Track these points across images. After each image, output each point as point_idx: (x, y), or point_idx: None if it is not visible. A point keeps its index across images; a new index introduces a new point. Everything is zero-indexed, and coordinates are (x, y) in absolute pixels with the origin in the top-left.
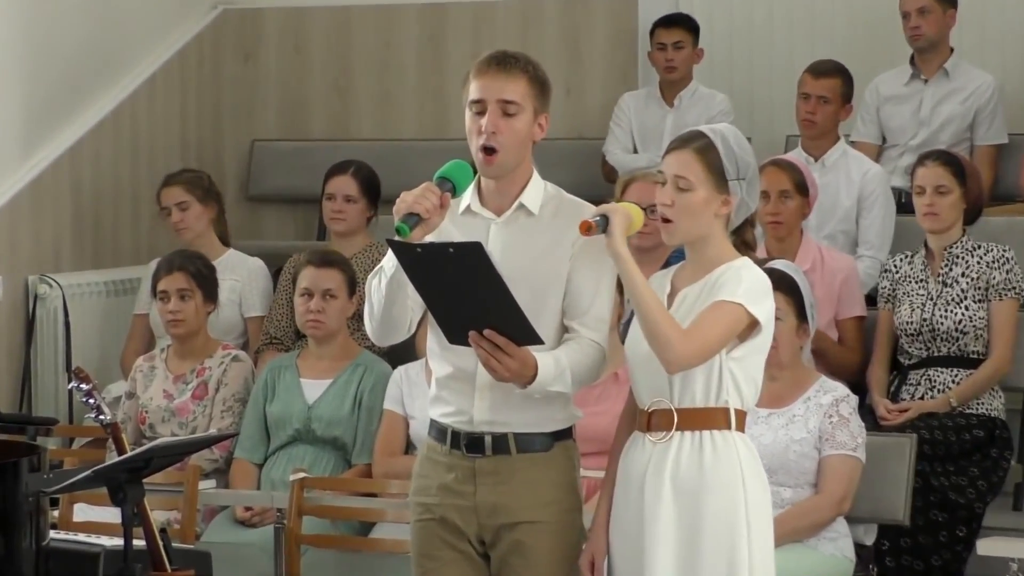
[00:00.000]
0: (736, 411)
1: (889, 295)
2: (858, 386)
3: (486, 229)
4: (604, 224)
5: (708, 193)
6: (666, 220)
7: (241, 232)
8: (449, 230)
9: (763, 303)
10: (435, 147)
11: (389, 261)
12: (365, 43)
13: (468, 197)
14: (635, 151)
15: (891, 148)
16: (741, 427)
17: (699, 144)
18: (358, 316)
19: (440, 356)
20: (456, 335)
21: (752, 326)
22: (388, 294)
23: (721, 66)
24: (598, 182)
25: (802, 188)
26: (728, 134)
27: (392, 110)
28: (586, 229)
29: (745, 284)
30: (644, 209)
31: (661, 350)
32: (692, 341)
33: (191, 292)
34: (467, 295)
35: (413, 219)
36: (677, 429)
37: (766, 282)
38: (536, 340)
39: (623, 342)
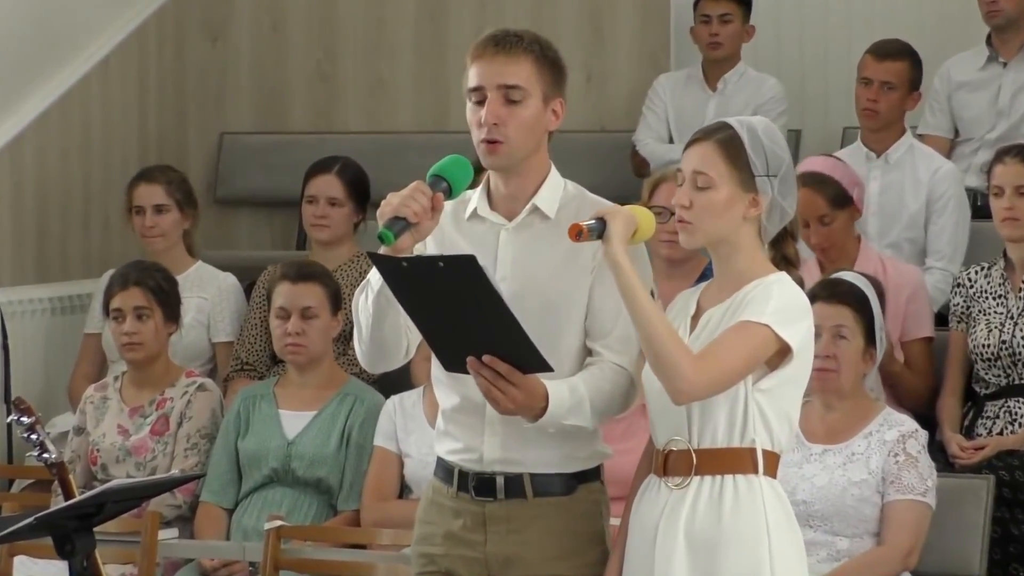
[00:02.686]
0: (765, 452)
1: (963, 314)
2: (926, 419)
3: (495, 236)
4: (600, 229)
5: (732, 191)
6: (683, 223)
7: (208, 240)
8: (453, 237)
9: (796, 325)
10: (433, 141)
11: (376, 274)
12: (353, 21)
13: (476, 199)
14: (671, 141)
15: (965, 142)
16: (771, 471)
17: (721, 136)
18: (344, 337)
19: (446, 385)
20: (452, 362)
21: (783, 353)
22: (376, 312)
23: (767, 47)
24: (624, 180)
25: (843, 200)
26: (757, 125)
27: (384, 99)
28: (575, 234)
29: (775, 302)
30: (671, 214)
31: (667, 377)
32: (705, 367)
33: (149, 311)
34: (462, 316)
35: (400, 224)
36: (696, 473)
37: (802, 301)
38: (544, 367)
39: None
